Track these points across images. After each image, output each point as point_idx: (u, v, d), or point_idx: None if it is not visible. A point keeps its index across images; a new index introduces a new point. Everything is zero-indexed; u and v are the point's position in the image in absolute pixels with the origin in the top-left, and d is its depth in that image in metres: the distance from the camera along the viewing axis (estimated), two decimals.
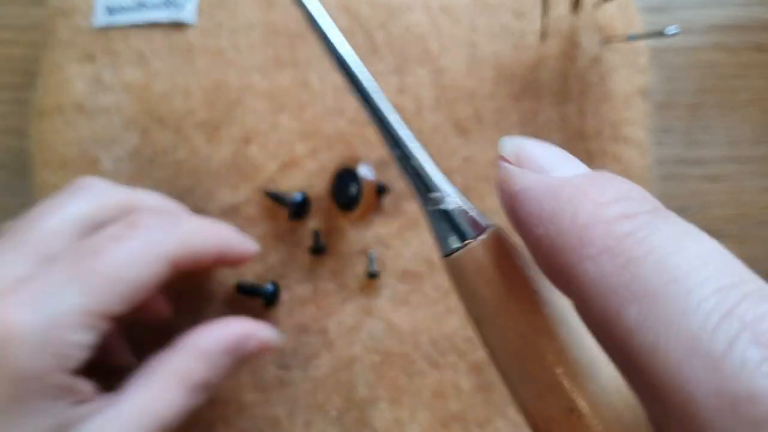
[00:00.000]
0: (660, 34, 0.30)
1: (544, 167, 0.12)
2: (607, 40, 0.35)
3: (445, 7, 0.36)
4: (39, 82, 0.37)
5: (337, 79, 0.36)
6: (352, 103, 0.35)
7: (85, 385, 0.24)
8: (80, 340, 0.22)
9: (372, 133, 0.35)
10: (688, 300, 0.10)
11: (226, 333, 0.26)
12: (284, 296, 0.34)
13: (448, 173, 0.35)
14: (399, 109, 0.35)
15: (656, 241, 0.10)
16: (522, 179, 0.12)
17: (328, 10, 0.36)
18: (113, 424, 0.22)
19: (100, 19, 0.37)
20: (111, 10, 0.37)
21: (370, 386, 0.33)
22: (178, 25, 0.37)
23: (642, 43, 0.36)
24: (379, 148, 0.35)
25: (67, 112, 0.36)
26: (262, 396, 0.33)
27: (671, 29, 0.30)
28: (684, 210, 0.39)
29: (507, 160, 0.13)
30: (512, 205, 0.12)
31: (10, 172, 0.40)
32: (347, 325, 0.34)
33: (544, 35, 0.35)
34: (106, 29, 0.37)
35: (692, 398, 0.09)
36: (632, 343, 0.10)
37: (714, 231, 0.43)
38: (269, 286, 0.33)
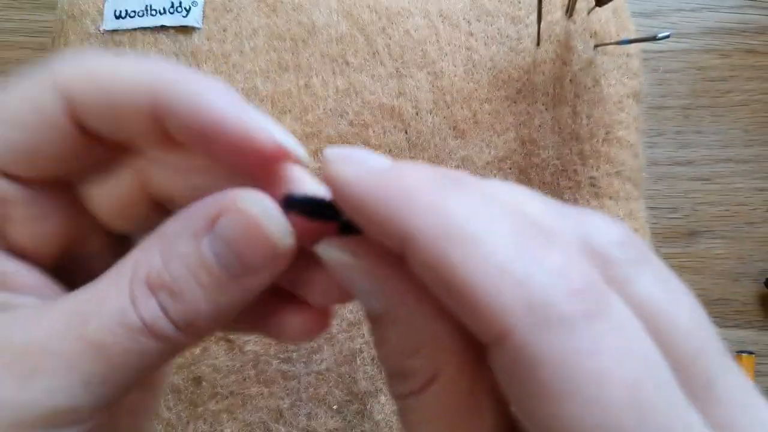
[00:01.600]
0: (652, 38, 0.31)
1: (365, 162, 0.14)
2: (601, 44, 0.36)
3: (443, 13, 0.37)
4: None
5: (338, 82, 0.37)
6: (352, 106, 0.36)
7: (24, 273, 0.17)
8: None
9: (372, 135, 0.36)
10: (497, 239, 0.12)
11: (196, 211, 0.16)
12: None
13: None
14: (398, 111, 0.36)
15: (465, 196, 0.13)
16: (349, 171, 0.14)
17: (329, 15, 0.37)
18: (33, 323, 0.16)
19: (109, 23, 0.38)
20: (119, 15, 0.38)
21: (371, 379, 0.34)
22: (183, 30, 0.38)
23: (635, 47, 0.37)
24: (380, 149, 0.36)
25: None
26: (266, 389, 0.34)
27: (663, 33, 0.31)
28: (676, 210, 0.40)
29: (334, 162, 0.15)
30: (346, 192, 0.14)
31: None
32: (348, 320, 0.35)
33: (539, 40, 0.36)
34: (114, 33, 0.38)
35: (504, 310, 0.12)
36: (458, 276, 0.12)
37: (705, 231, 0.43)
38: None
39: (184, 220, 0.16)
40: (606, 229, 0.14)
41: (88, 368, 0.15)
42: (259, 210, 0.16)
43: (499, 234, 0.12)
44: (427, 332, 0.15)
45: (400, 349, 0.16)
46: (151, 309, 0.16)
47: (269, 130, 0.16)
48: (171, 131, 0.16)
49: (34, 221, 0.18)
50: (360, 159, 0.14)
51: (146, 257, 0.16)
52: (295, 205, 0.16)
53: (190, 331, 0.16)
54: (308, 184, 0.17)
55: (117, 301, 0.16)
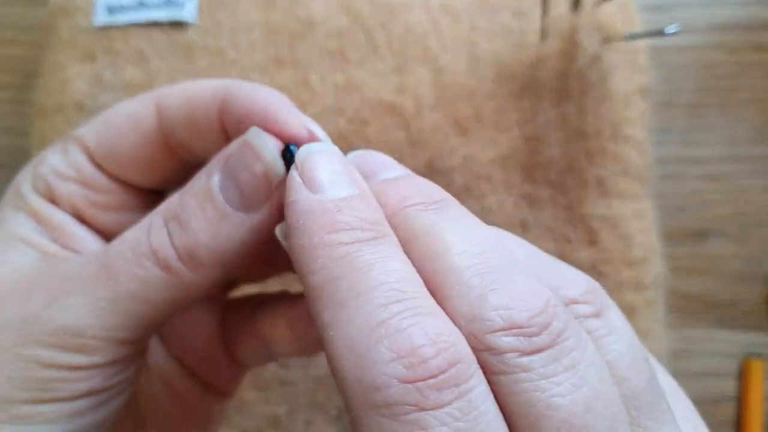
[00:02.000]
0: (660, 33, 0.30)
1: (317, 185, 0.15)
2: (607, 39, 0.35)
3: (445, 7, 0.36)
4: (40, 82, 0.37)
5: (337, 78, 0.36)
6: (351, 103, 0.35)
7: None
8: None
9: (372, 133, 0.35)
10: (360, 311, 0.13)
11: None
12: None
13: (448, 172, 0.35)
14: (399, 108, 0.35)
15: (356, 264, 0.14)
16: (296, 193, 0.15)
17: (327, 10, 0.36)
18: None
19: (101, 18, 0.37)
20: (111, 10, 0.37)
21: None
22: (178, 25, 0.37)
23: (642, 43, 0.36)
24: (379, 148, 0.35)
25: (67, 112, 0.36)
26: (263, 394, 0.33)
27: (671, 28, 0.30)
28: (683, 209, 0.39)
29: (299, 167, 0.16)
30: (285, 212, 0.15)
31: (10, 171, 0.40)
32: None
33: (544, 34, 0.35)
34: (106, 29, 0.37)
35: (345, 379, 0.13)
36: (323, 336, 0.13)
37: (713, 230, 0.43)
38: None
39: (206, 165, 0.18)
40: (507, 311, 0.13)
41: (99, 292, 0.17)
42: (255, 138, 0.17)
43: (366, 303, 0.13)
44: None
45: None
46: (160, 236, 0.17)
47: (307, 122, 0.18)
48: (229, 126, 0.19)
49: (112, 211, 0.21)
50: (321, 179, 0.15)
51: (170, 198, 0.18)
52: (289, 153, 0.17)
53: (192, 264, 0.17)
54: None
55: (136, 233, 0.18)
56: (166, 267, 0.17)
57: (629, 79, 0.35)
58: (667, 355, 0.35)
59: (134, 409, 0.21)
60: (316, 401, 0.33)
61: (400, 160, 0.35)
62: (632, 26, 0.36)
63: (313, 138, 0.18)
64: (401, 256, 0.14)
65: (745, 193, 0.39)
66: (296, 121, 0.18)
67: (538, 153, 0.35)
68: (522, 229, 0.35)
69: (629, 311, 0.34)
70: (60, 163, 0.20)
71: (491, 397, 0.13)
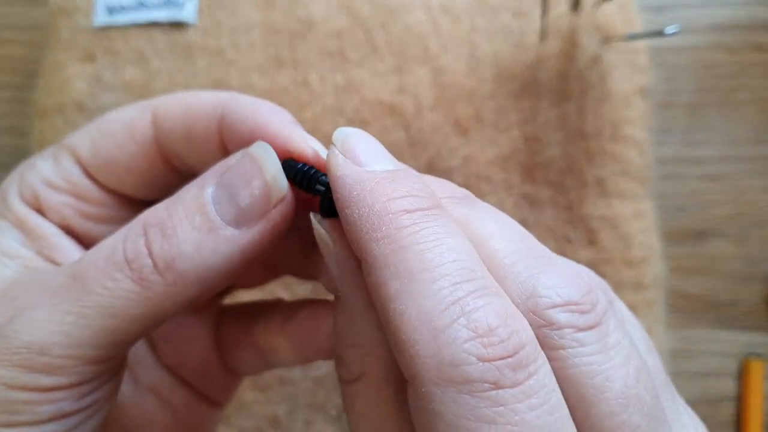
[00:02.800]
0: (660, 33, 0.30)
1: (361, 160, 0.15)
2: (607, 39, 0.35)
3: (445, 7, 0.36)
4: (40, 82, 0.37)
5: (337, 78, 0.36)
6: (351, 103, 0.35)
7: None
8: None
9: (372, 133, 0.35)
10: (432, 286, 0.13)
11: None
12: (284, 295, 0.34)
13: (448, 172, 0.35)
14: (399, 108, 0.35)
15: (423, 235, 0.14)
16: (343, 168, 0.15)
17: (327, 10, 0.36)
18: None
19: (101, 18, 0.37)
20: (111, 10, 0.37)
21: None
22: (178, 25, 0.37)
23: (642, 43, 0.36)
24: None
25: (67, 112, 0.36)
26: (263, 395, 0.33)
27: (671, 29, 0.30)
28: (683, 209, 0.39)
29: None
30: (333, 186, 0.15)
31: (10, 172, 0.40)
32: None
33: (543, 35, 0.35)
34: (106, 29, 0.37)
35: (419, 355, 0.13)
36: (389, 307, 0.13)
37: (713, 230, 0.43)
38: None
39: (200, 176, 0.17)
40: (561, 288, 0.14)
41: (66, 305, 0.15)
42: (260, 152, 0.17)
43: (439, 278, 0.13)
44: (366, 334, 0.16)
45: (341, 336, 0.17)
46: (136, 244, 0.16)
47: (309, 140, 0.18)
48: (228, 140, 0.18)
49: (103, 223, 0.20)
50: (363, 157, 0.15)
51: (154, 207, 0.17)
52: (289, 172, 0.17)
53: (169, 275, 0.15)
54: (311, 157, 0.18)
55: (112, 241, 0.16)
56: (139, 279, 0.15)
57: (629, 79, 0.35)
58: (667, 355, 0.35)
59: (119, 425, 0.20)
60: (315, 401, 0.33)
61: (400, 159, 0.35)
62: (632, 26, 0.36)
63: (317, 157, 0.18)
64: (461, 232, 0.14)
65: (745, 193, 0.39)
66: (300, 138, 0.18)
67: (538, 153, 0.35)
68: None
69: (629, 311, 0.34)
70: (50, 172, 0.19)
71: (553, 373, 0.13)
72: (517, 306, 0.14)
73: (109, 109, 0.36)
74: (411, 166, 0.36)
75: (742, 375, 0.37)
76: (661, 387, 0.15)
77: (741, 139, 0.39)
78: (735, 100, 0.40)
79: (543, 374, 0.13)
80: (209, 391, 0.23)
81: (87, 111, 0.36)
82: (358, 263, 0.15)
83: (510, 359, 0.12)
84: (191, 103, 0.19)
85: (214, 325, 0.23)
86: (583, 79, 0.35)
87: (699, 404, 0.37)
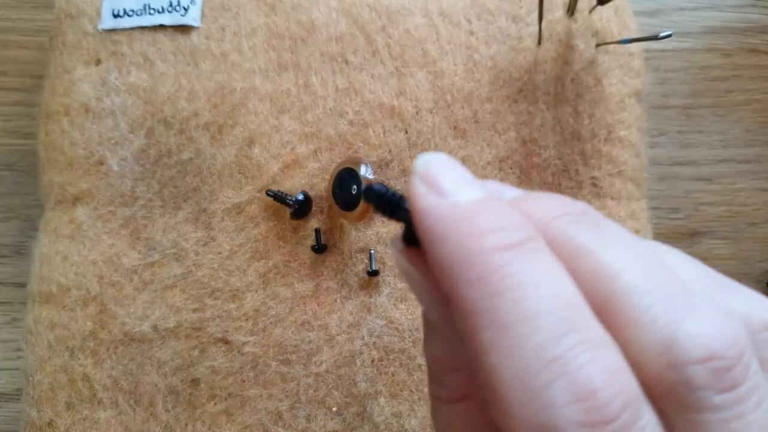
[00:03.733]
0: (654, 37, 0.31)
1: (445, 190, 0.14)
2: (603, 43, 0.36)
3: (443, 12, 0.37)
4: (46, 85, 0.38)
5: (338, 81, 0.36)
6: (352, 105, 0.36)
7: None
8: None
9: (372, 135, 0.36)
10: (529, 340, 0.11)
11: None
12: (286, 293, 0.35)
13: None
14: (398, 110, 0.36)
15: (519, 278, 0.12)
16: (425, 200, 0.14)
17: (328, 14, 0.37)
18: None
19: (106, 22, 0.38)
20: (116, 14, 0.38)
21: (371, 381, 0.34)
22: (182, 29, 0.37)
23: (637, 46, 0.37)
24: (380, 149, 0.36)
25: (73, 114, 0.37)
26: (265, 391, 0.34)
27: (665, 33, 0.31)
28: (678, 210, 0.40)
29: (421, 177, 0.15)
30: (416, 219, 0.14)
31: (17, 173, 0.40)
32: (348, 322, 0.35)
33: (540, 39, 0.36)
34: (112, 32, 0.38)
35: (513, 415, 0.11)
36: (481, 359, 0.12)
37: (707, 231, 0.43)
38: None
39: None
40: (705, 338, 0.12)
41: None
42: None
43: (537, 332, 0.11)
44: (465, 359, 0.14)
45: (439, 360, 0.16)
46: None
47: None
48: None
49: None
50: (447, 186, 0.14)
51: None
52: (371, 197, 0.16)
53: None
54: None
55: None
56: None
57: (624, 82, 0.36)
58: None
59: None
60: (317, 397, 0.34)
61: (400, 161, 0.36)
62: (627, 30, 0.36)
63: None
64: (564, 270, 0.13)
65: (738, 194, 0.40)
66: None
67: (535, 155, 0.36)
68: None
69: None
70: None
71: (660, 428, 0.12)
72: (650, 359, 0.12)
73: (115, 112, 0.37)
74: (410, 167, 0.37)
75: None
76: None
77: (735, 140, 0.40)
78: (729, 103, 0.40)
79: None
80: None
81: (92, 113, 0.37)
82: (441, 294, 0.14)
83: (613, 424, 0.11)
84: None
85: None
86: (579, 82, 0.36)
87: None
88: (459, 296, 0.12)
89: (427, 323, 0.16)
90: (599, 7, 0.35)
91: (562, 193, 0.36)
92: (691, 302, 0.12)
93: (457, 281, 0.12)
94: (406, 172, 0.36)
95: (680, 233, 0.39)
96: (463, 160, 0.36)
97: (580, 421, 0.11)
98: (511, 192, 0.16)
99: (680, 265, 0.14)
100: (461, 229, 0.13)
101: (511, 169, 0.36)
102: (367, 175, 0.34)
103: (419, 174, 0.14)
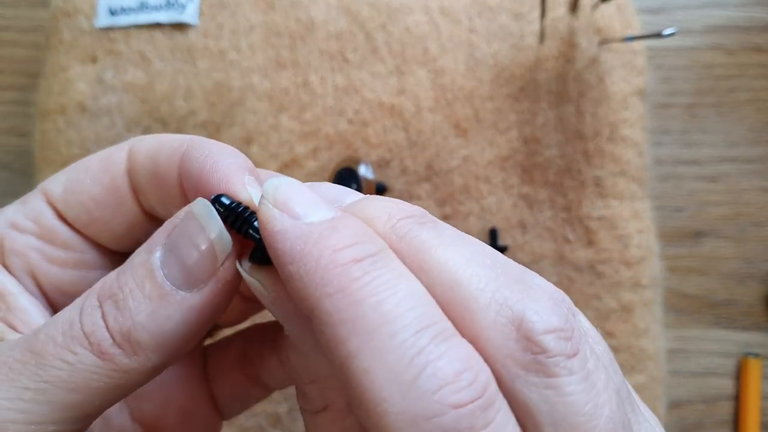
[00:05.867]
0: (658, 35, 0.31)
1: (298, 212, 0.14)
2: (605, 41, 0.35)
3: (444, 9, 0.36)
4: (42, 83, 0.38)
5: (337, 80, 0.36)
6: (352, 104, 0.36)
7: None
8: None
9: (372, 134, 0.36)
10: (394, 339, 0.12)
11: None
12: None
13: (447, 173, 0.35)
14: (399, 110, 0.35)
15: (377, 285, 0.13)
16: (279, 222, 0.14)
17: (327, 11, 0.36)
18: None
19: (103, 20, 0.37)
20: (113, 12, 0.37)
21: None
22: (179, 26, 0.37)
23: (640, 44, 0.36)
24: (379, 148, 0.35)
25: (69, 113, 0.36)
26: None
27: (668, 30, 0.30)
28: (681, 210, 0.39)
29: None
30: (270, 242, 0.14)
31: (13, 172, 0.40)
32: None
33: (542, 36, 0.35)
34: (108, 30, 0.37)
35: (387, 414, 0.12)
36: (350, 365, 0.13)
37: (711, 231, 0.43)
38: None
39: (149, 240, 0.17)
40: (547, 314, 0.13)
41: (24, 380, 0.15)
42: (200, 210, 0.16)
43: (400, 330, 0.12)
44: (324, 370, 0.15)
45: (299, 373, 0.16)
46: (94, 318, 0.15)
47: (249, 188, 0.17)
48: (186, 187, 0.17)
49: (70, 267, 0.19)
50: (298, 208, 0.14)
51: (108, 276, 0.16)
52: (220, 208, 0.16)
53: (129, 348, 0.15)
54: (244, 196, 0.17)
55: (68, 313, 0.16)
56: (99, 352, 0.15)
57: (627, 80, 0.35)
58: (665, 355, 0.36)
59: None
60: None
61: (400, 160, 0.35)
62: (630, 28, 0.36)
63: (251, 202, 0.16)
64: (411, 273, 0.14)
65: (742, 193, 0.39)
66: (247, 196, 0.16)
67: (537, 154, 0.35)
68: (521, 229, 0.35)
69: (627, 311, 0.34)
70: (16, 212, 0.18)
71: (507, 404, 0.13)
72: (505, 335, 0.13)
73: (111, 110, 0.36)
74: (410, 166, 0.37)
75: (739, 374, 0.38)
76: (625, 399, 0.15)
77: (739, 139, 0.40)
78: (733, 101, 0.40)
79: (506, 409, 0.13)
80: None
81: (89, 112, 0.36)
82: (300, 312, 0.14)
83: (480, 400, 0.12)
84: (161, 142, 0.18)
85: (200, 368, 0.22)
86: (582, 81, 0.35)
87: (697, 403, 0.38)
88: (322, 309, 0.13)
89: (286, 337, 0.17)
90: (602, 5, 0.35)
91: (565, 192, 0.35)
92: (524, 286, 0.14)
93: (318, 296, 0.13)
94: (406, 172, 0.35)
95: (684, 233, 0.39)
96: (464, 160, 0.35)
97: (452, 403, 0.12)
98: (350, 196, 0.17)
99: (462, 263, 0.15)
100: (319, 246, 0.13)
101: (513, 168, 0.35)
102: (366, 175, 0.33)
103: (270, 198, 0.15)
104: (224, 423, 0.33)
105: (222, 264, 0.16)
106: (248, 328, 0.23)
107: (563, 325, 0.13)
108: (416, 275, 0.14)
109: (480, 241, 0.15)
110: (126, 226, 0.19)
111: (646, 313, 0.35)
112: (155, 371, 0.16)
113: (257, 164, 0.35)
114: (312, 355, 0.15)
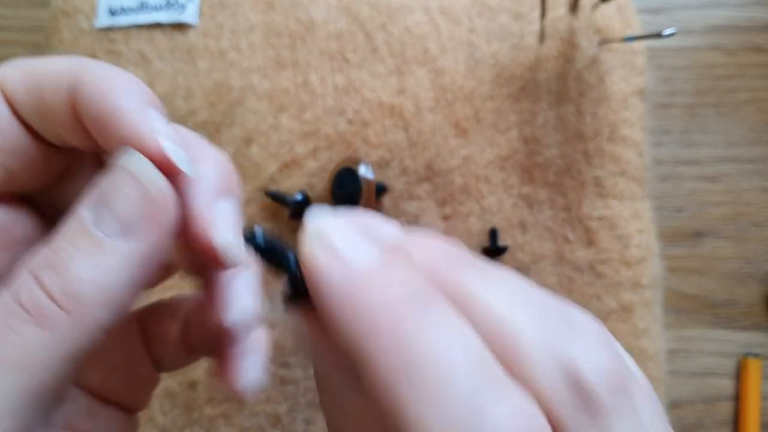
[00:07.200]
0: (658, 35, 0.31)
1: (343, 253, 0.14)
2: (605, 41, 0.35)
3: (444, 9, 0.36)
4: None
5: (337, 80, 0.36)
6: (351, 104, 0.36)
7: None
8: None
9: (372, 134, 0.36)
10: (450, 390, 0.12)
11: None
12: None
13: (447, 173, 0.35)
14: (399, 109, 0.35)
15: (430, 331, 0.13)
16: (325, 263, 0.14)
17: (327, 12, 0.36)
18: None
19: (103, 20, 0.37)
20: (113, 12, 0.37)
21: None
22: (179, 26, 0.37)
23: (640, 44, 0.36)
24: (379, 148, 0.35)
25: None
26: (263, 394, 0.34)
27: (668, 30, 0.30)
28: (681, 210, 0.39)
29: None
30: (314, 284, 0.14)
31: None
32: None
33: (542, 36, 0.35)
34: (108, 30, 0.37)
35: None
36: (403, 415, 0.12)
37: (711, 231, 0.43)
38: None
39: (73, 209, 0.16)
40: (594, 354, 0.13)
41: None
42: (128, 160, 0.15)
43: (456, 379, 0.12)
44: (361, 414, 0.15)
45: (334, 413, 0.16)
46: (30, 289, 0.14)
47: (159, 138, 0.15)
48: (84, 120, 0.16)
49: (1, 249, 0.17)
50: (344, 248, 0.14)
51: (35, 249, 0.15)
52: (258, 245, 0.15)
53: (75, 306, 0.14)
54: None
55: (2, 297, 0.15)
56: (42, 321, 0.14)
57: (627, 80, 0.35)
58: (665, 355, 0.36)
59: None
60: (316, 400, 0.34)
61: (400, 160, 0.36)
62: (630, 28, 0.36)
63: (163, 156, 0.15)
64: (460, 318, 0.14)
65: (742, 193, 0.39)
66: (149, 131, 0.15)
67: (537, 154, 0.35)
68: (521, 229, 0.35)
69: (627, 311, 0.34)
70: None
71: None
72: (556, 382, 0.13)
73: None
74: (410, 166, 0.37)
75: (739, 374, 0.38)
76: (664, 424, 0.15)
77: (739, 139, 0.40)
78: (733, 101, 0.40)
79: None
80: (133, 398, 0.21)
81: None
82: (342, 354, 0.14)
83: None
84: (39, 74, 0.16)
85: (136, 330, 0.21)
86: (582, 81, 0.35)
87: (697, 403, 0.38)
88: (371, 356, 0.13)
89: (319, 377, 0.16)
90: (602, 5, 0.35)
91: (566, 192, 0.35)
92: (570, 329, 0.14)
93: (368, 341, 0.13)
94: (406, 172, 0.35)
95: (684, 233, 0.39)
96: (464, 160, 0.35)
97: None
98: (388, 229, 0.16)
99: (534, 289, 0.15)
100: (367, 291, 0.13)
101: (513, 168, 0.35)
102: (366, 175, 0.33)
103: (313, 234, 0.14)
104: (223, 423, 0.34)
105: (156, 207, 0.15)
106: (187, 297, 0.22)
107: (611, 364, 0.13)
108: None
109: (515, 274, 0.15)
110: (37, 164, 0.17)
111: (646, 313, 0.35)
112: (104, 329, 0.15)
113: (257, 164, 0.35)
114: (349, 395, 0.15)
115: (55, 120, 0.16)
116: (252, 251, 0.15)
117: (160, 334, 0.21)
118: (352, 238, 0.14)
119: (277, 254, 0.15)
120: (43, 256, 0.15)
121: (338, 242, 0.14)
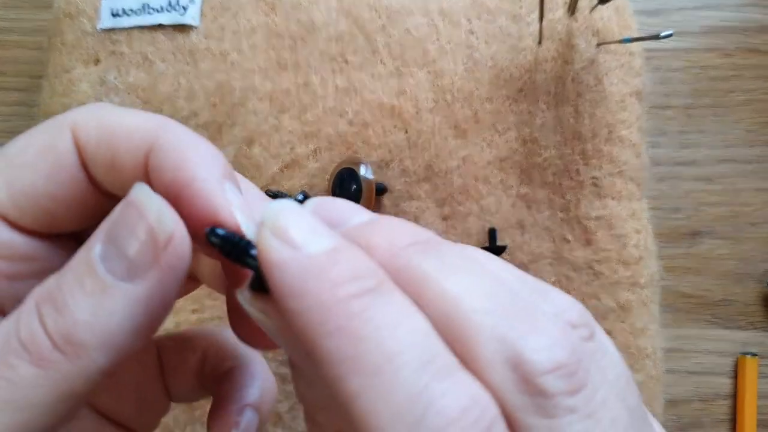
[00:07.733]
0: (655, 37, 0.31)
1: (298, 242, 0.13)
2: (603, 42, 0.36)
3: (443, 11, 0.37)
4: (45, 85, 0.38)
5: (338, 81, 0.36)
6: (352, 105, 0.36)
7: None
8: None
9: (372, 135, 0.36)
10: (398, 378, 0.12)
11: None
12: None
13: (446, 173, 0.35)
14: (398, 110, 0.36)
15: (379, 322, 0.13)
16: (277, 253, 0.13)
17: (328, 14, 0.37)
18: None
19: (105, 22, 0.38)
20: (115, 14, 0.38)
21: None
22: (181, 28, 0.37)
23: (637, 46, 0.36)
24: (379, 149, 0.36)
25: None
26: None
27: (666, 32, 0.31)
28: (678, 210, 0.40)
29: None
30: (269, 275, 0.13)
31: None
32: None
33: (540, 38, 0.36)
34: (110, 32, 0.38)
35: None
36: (353, 405, 0.12)
37: (708, 231, 0.43)
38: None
39: (89, 239, 0.15)
40: (549, 350, 0.13)
41: None
42: (138, 195, 0.15)
43: (403, 367, 0.12)
44: (332, 400, 0.14)
45: (308, 399, 0.16)
46: (31, 324, 0.14)
47: (235, 213, 0.15)
48: (154, 181, 0.16)
49: (34, 278, 0.16)
50: (299, 237, 0.13)
51: (46, 280, 0.15)
52: (216, 240, 0.15)
53: (71, 350, 0.14)
54: (242, 222, 0.15)
55: (5, 327, 0.15)
56: (38, 361, 0.14)
57: (625, 81, 0.36)
58: (663, 354, 0.36)
59: None
60: None
61: (400, 161, 0.36)
62: (627, 30, 0.36)
63: (239, 230, 0.15)
64: (413, 306, 0.13)
65: (739, 194, 0.40)
66: (224, 204, 0.15)
67: (536, 155, 0.36)
68: (520, 229, 0.35)
69: (625, 310, 0.35)
70: None
71: None
72: (502, 377, 0.13)
73: None
74: (410, 167, 0.37)
75: (736, 373, 0.38)
76: (639, 419, 0.14)
77: (735, 140, 0.40)
78: (729, 102, 0.40)
79: None
80: (142, 423, 0.21)
81: None
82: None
83: None
84: (116, 130, 0.16)
85: (153, 360, 0.21)
86: (580, 82, 0.36)
87: (694, 402, 0.38)
88: (321, 347, 0.13)
89: (292, 365, 0.16)
90: (600, 7, 0.35)
91: (563, 192, 0.35)
92: (528, 317, 0.13)
93: (317, 333, 0.13)
94: (406, 173, 0.36)
95: (681, 233, 0.39)
96: (464, 160, 0.36)
97: None
98: (357, 216, 0.16)
99: (503, 272, 0.15)
100: (317, 282, 0.13)
101: (512, 169, 0.36)
102: (366, 175, 0.33)
103: (268, 225, 0.14)
104: None
105: (165, 248, 0.15)
106: (207, 332, 0.22)
107: (566, 360, 0.13)
108: (418, 307, 0.13)
109: (491, 262, 0.15)
110: (90, 212, 0.17)
111: (644, 313, 0.35)
112: (102, 373, 0.15)
113: (259, 165, 0.36)
114: (319, 383, 0.15)
115: (124, 177, 0.16)
116: (214, 245, 0.15)
117: (177, 364, 0.21)
118: (307, 226, 0.14)
119: (240, 247, 0.15)
120: (48, 288, 0.15)
121: (293, 230, 0.14)
